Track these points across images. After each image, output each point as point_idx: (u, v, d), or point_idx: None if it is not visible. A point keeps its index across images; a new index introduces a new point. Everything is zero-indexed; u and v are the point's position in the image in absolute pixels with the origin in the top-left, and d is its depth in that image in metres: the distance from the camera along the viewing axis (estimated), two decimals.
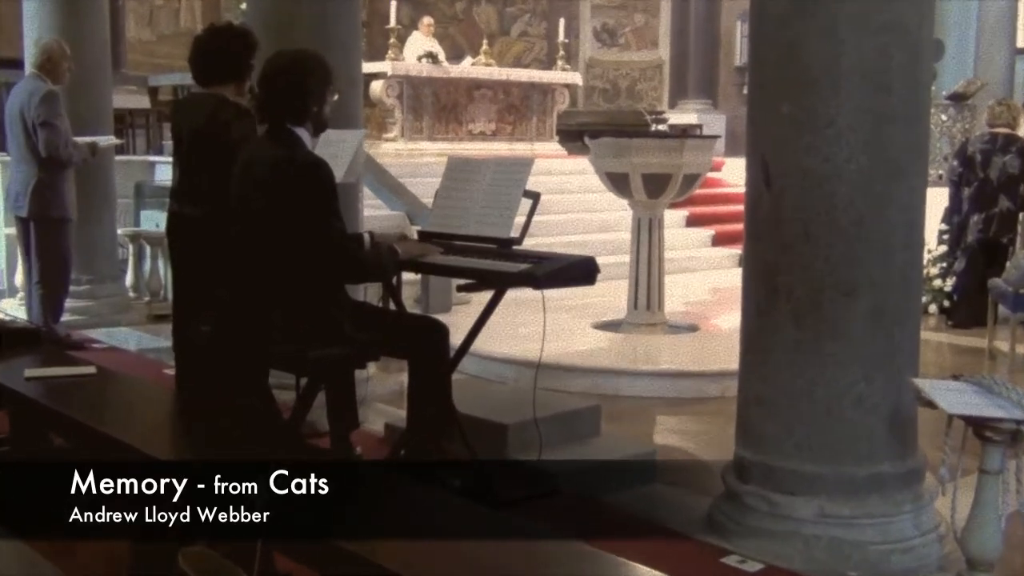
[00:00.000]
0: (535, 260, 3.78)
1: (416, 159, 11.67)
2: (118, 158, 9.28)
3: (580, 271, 3.79)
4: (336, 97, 3.87)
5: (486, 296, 4.01)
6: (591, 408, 4.67)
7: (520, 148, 13.35)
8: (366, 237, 4.02)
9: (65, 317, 7.59)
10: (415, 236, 7.53)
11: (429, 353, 3.79)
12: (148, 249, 8.38)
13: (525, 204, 4.07)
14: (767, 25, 3.47)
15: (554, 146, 13.77)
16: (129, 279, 8.48)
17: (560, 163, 11.74)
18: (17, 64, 8.12)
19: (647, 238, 6.93)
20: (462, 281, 3.94)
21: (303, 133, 3.73)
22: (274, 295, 3.69)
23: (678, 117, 15.21)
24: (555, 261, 3.77)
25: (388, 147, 12.41)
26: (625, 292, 7.16)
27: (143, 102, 10.93)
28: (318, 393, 4.13)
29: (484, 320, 4.04)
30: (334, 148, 5.12)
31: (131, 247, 8.52)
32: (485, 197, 4.13)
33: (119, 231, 8.38)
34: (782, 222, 3.44)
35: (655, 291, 6.93)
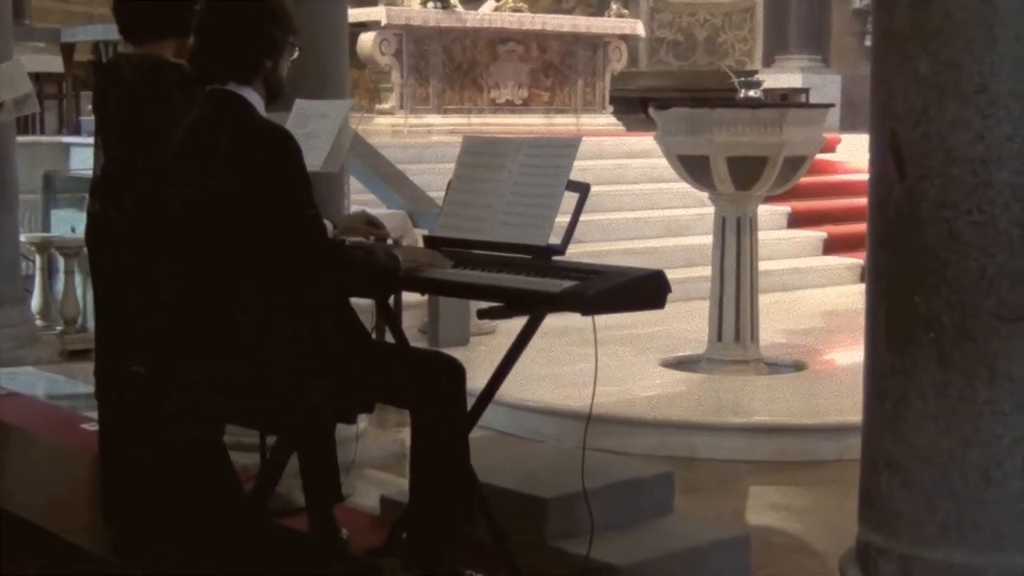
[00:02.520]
0: (582, 276, 3.78)
1: (420, 138, 11.73)
2: (21, 140, 9.40)
3: (644, 291, 3.78)
4: (296, 54, 3.91)
5: (516, 324, 4.01)
6: (660, 476, 4.66)
7: (561, 123, 13.43)
8: (328, 226, 4.04)
9: None
10: (419, 242, 7.62)
11: (440, 402, 3.79)
12: (61, 262, 8.43)
13: (568, 200, 4.06)
14: None
15: (607, 119, 13.83)
16: (36, 302, 8.55)
17: (616, 143, 11.73)
18: None
19: (735, 244, 6.92)
20: (484, 304, 3.94)
21: (252, 96, 3.77)
22: (229, 323, 3.71)
23: (776, 79, 15.21)
24: (610, 277, 3.77)
25: (383, 122, 12.50)
26: (705, 317, 7.15)
27: (54, 64, 11.03)
28: (291, 456, 4.17)
29: (514, 357, 4.04)
30: (312, 125, 5.17)
31: (38, 259, 8.59)
32: (515, 191, 4.14)
33: (22, 238, 8.44)
34: (920, 224, 3.41)
35: (746, 316, 6.92)
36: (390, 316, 4.33)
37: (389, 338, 4.45)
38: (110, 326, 4.54)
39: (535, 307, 3.85)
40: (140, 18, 4.52)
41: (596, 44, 13.78)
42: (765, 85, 15.33)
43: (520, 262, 3.96)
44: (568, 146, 4.15)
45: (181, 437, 3.97)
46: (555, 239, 3.99)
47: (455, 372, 3.83)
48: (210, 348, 3.76)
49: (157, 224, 4.30)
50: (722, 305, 6.96)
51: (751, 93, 7.08)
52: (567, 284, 3.72)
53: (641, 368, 7.04)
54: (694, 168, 6.87)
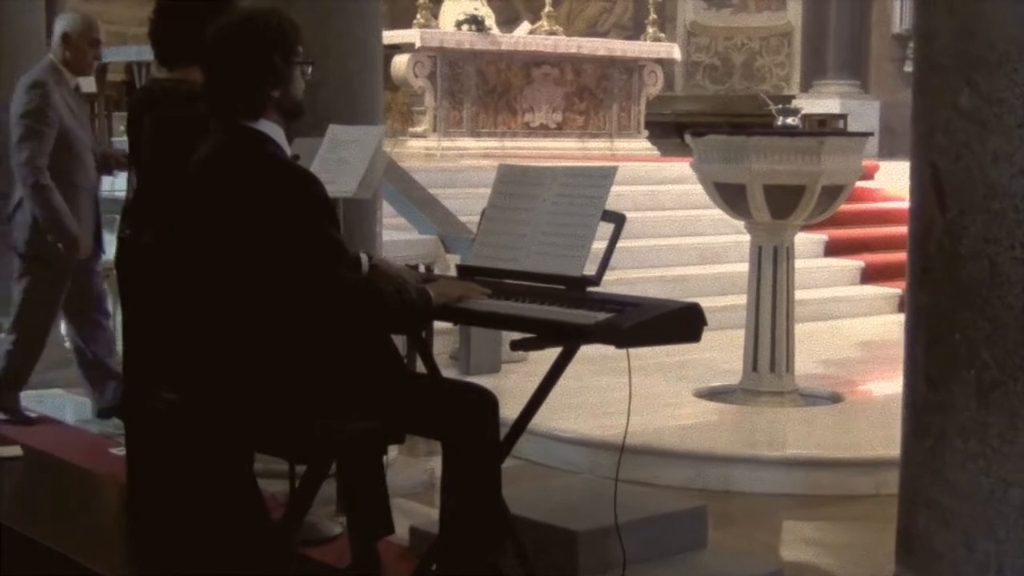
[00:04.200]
0: (617, 307, 3.77)
1: (453, 162, 11.75)
2: None
3: (680, 324, 3.78)
4: (310, 70, 3.87)
5: (547, 354, 4.01)
6: (694, 510, 4.64)
7: (595, 147, 13.44)
8: (363, 260, 4.05)
9: None
10: (451, 268, 7.60)
11: (472, 434, 3.79)
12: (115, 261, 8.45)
13: (603, 230, 4.06)
14: None
15: (642, 144, 13.83)
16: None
17: (650, 168, 11.71)
18: None
19: (771, 273, 6.90)
20: (517, 335, 3.94)
21: (269, 128, 3.75)
22: (263, 350, 3.72)
23: (813, 104, 15.14)
24: (645, 309, 3.76)
25: (416, 145, 12.54)
26: (740, 347, 7.13)
27: (87, 84, 11.07)
28: (320, 485, 4.16)
29: (547, 389, 4.04)
30: (345, 151, 5.19)
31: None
32: (550, 220, 4.14)
33: None
34: (961, 259, 3.39)
35: (782, 347, 6.89)
36: (422, 345, 4.33)
37: (420, 366, 4.47)
38: (139, 352, 4.55)
39: (569, 339, 3.84)
40: (175, 43, 4.56)
41: (631, 68, 13.78)
42: (803, 111, 15.37)
43: (554, 293, 3.96)
44: (604, 176, 4.15)
45: (209, 466, 3.98)
46: (590, 270, 3.99)
47: (488, 404, 3.83)
48: (242, 377, 3.77)
49: (187, 253, 4.34)
50: (757, 335, 6.94)
51: (789, 121, 7.06)
52: (602, 316, 3.71)
53: (674, 398, 7.02)
54: (731, 196, 6.85)
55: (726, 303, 9.09)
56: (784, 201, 6.71)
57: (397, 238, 7.58)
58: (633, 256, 9.58)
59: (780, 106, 7.26)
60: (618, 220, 4.07)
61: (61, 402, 7.55)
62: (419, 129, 12.66)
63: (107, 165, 6.81)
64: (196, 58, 4.50)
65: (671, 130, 15.93)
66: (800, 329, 7.24)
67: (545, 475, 5.88)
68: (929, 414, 3.55)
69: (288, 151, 3.82)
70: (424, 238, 7.98)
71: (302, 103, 3.85)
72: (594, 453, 6.01)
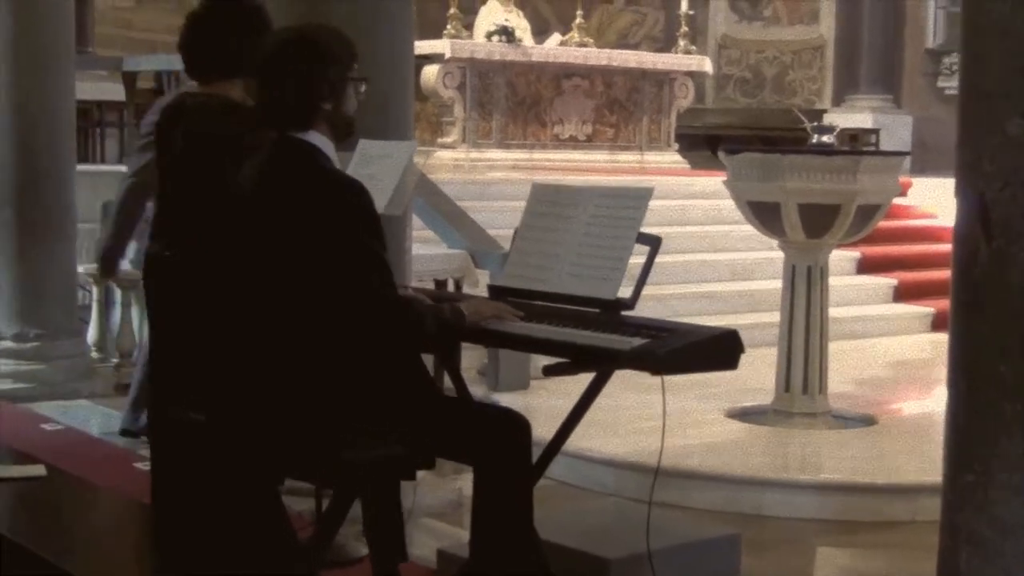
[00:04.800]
0: (653, 332, 3.71)
1: (482, 174, 11.70)
2: (80, 168, 9.41)
3: (717, 351, 3.72)
4: (364, 88, 3.84)
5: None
6: (728, 538, 4.58)
7: (625, 159, 13.39)
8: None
9: (5, 386, 7.71)
10: (480, 283, 7.54)
11: (503, 458, 3.73)
12: (119, 294, 8.43)
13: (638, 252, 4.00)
14: None
15: (672, 157, 13.76)
16: (92, 334, 8.56)
17: (681, 183, 11.62)
18: None
19: (804, 294, 6.82)
20: (549, 360, 3.88)
21: (319, 140, 3.72)
22: (297, 369, 3.67)
23: (845, 119, 15.09)
24: (681, 335, 3.70)
25: (445, 156, 12.50)
26: (772, 365, 7.04)
27: (116, 92, 11.10)
28: (350, 506, 4.11)
29: (580, 413, 4.00)
30: (375, 166, 5.13)
31: (95, 291, 8.60)
32: (584, 242, 4.09)
33: (80, 268, 8.46)
34: (1008, 288, 3.31)
35: (815, 368, 6.81)
36: (451, 364, 4.27)
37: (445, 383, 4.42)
38: (166, 368, 4.49)
39: (603, 365, 3.78)
40: (206, 57, 4.50)
41: (662, 80, 13.72)
42: (833, 124, 15.26)
43: (588, 316, 3.91)
44: (640, 197, 4.09)
45: (235, 487, 3.93)
46: (625, 292, 3.94)
47: (520, 429, 3.77)
48: (272, 397, 3.72)
49: (220, 269, 4.30)
50: (790, 356, 6.85)
51: (824, 138, 6.98)
52: (637, 342, 3.66)
53: (705, 418, 6.94)
54: (764, 215, 6.78)
55: (758, 320, 8.99)
56: (819, 220, 6.63)
57: (425, 252, 7.51)
58: (664, 272, 9.48)
59: (815, 123, 7.18)
60: (654, 243, 4.02)
61: (86, 414, 7.52)
62: (448, 140, 12.62)
63: None
64: (229, 72, 4.50)
65: (701, 143, 15.88)
66: (832, 347, 7.14)
67: (575, 496, 5.81)
68: (971, 447, 3.47)
69: (338, 164, 3.78)
70: (453, 252, 7.88)
71: (354, 121, 3.82)
72: (624, 474, 5.94)
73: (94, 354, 8.48)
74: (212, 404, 3.89)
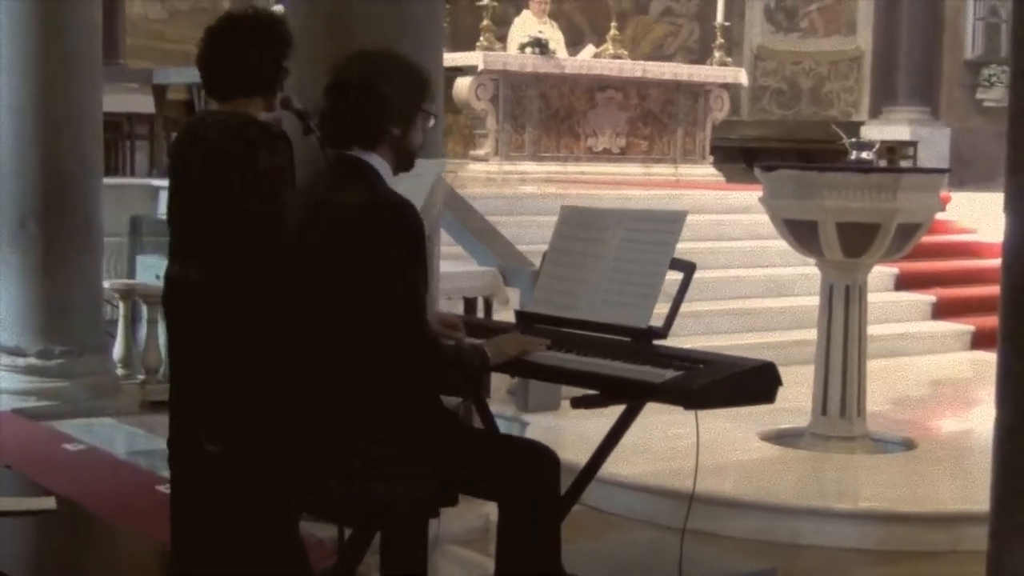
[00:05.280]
0: (686, 364, 3.56)
1: (514, 188, 11.57)
2: (108, 181, 9.33)
3: (753, 385, 3.57)
4: (432, 123, 3.79)
5: None
6: (764, 573, 4.41)
7: (659, 172, 13.23)
8: None
9: (29, 403, 7.60)
10: (511, 304, 7.38)
11: (531, 495, 3.58)
12: (145, 310, 8.33)
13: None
14: None
15: (706, 171, 13.60)
16: (118, 350, 8.45)
17: (716, 197, 11.44)
18: None
19: (842, 314, 6.64)
20: (577, 391, 3.74)
21: (378, 163, 3.63)
22: (317, 403, 3.54)
23: (882, 131, 14.90)
24: (716, 368, 3.54)
25: (477, 169, 12.37)
26: (808, 384, 6.86)
27: (145, 104, 11.02)
28: (372, 538, 3.97)
29: (610, 447, 3.85)
30: (402, 185, 4.97)
31: (122, 306, 8.49)
32: (615, 267, 3.94)
33: (106, 284, 8.36)
34: None
35: (853, 391, 6.63)
36: (479, 399, 4.12)
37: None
38: (184, 397, 4.36)
39: (634, 397, 3.64)
40: (223, 76, 4.36)
41: (697, 92, 13.56)
42: (871, 137, 15.08)
43: (618, 345, 3.77)
44: (673, 221, 3.94)
45: (252, 520, 3.79)
46: (657, 321, 3.78)
47: (549, 465, 3.63)
48: (290, 430, 3.58)
49: (242, 293, 4.18)
50: (827, 378, 6.68)
51: (863, 155, 6.80)
52: (669, 374, 3.51)
53: (739, 441, 6.76)
54: (801, 233, 6.61)
55: (795, 338, 8.84)
56: (857, 239, 6.46)
57: (454, 269, 7.37)
58: (699, 289, 9.26)
59: (854, 139, 7.00)
60: (687, 269, 3.87)
61: (111, 432, 7.41)
62: (480, 152, 12.48)
63: None
64: (248, 89, 4.36)
65: (736, 155, 15.70)
66: (869, 366, 6.96)
67: (604, 524, 5.64)
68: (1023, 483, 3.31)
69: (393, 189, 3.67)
70: (483, 270, 7.77)
71: (416, 155, 3.76)
72: (656, 500, 5.80)
73: (120, 370, 8.37)
74: (229, 435, 3.76)
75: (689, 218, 10.72)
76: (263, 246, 4.17)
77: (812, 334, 6.99)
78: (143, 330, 8.40)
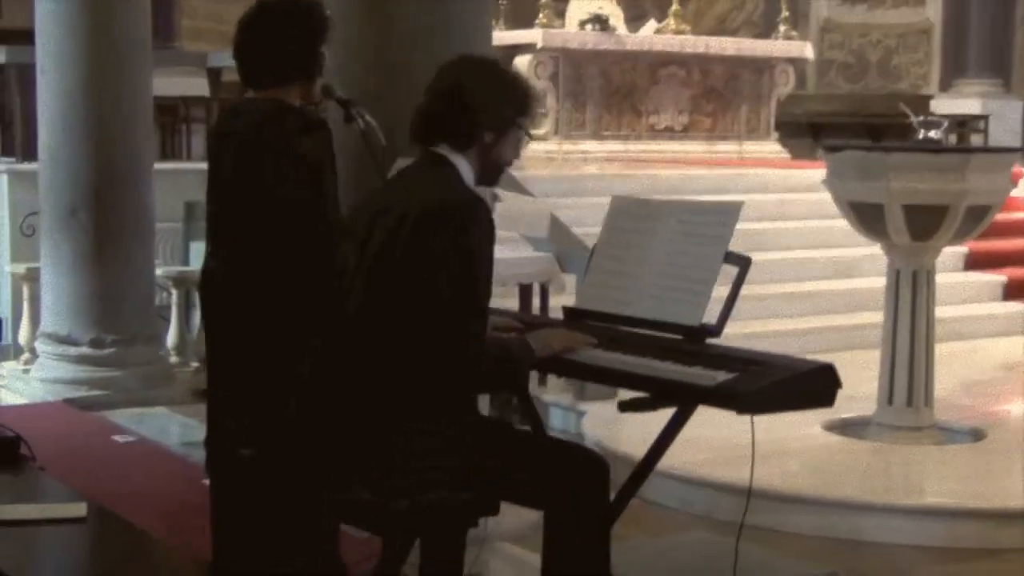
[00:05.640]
0: (740, 366, 3.39)
1: (575, 168, 11.38)
2: (164, 166, 9.27)
3: (810, 388, 3.40)
4: (524, 141, 3.77)
5: None
6: None
7: (723, 150, 13.00)
8: None
9: (81, 392, 7.55)
10: (567, 290, 7.21)
11: (580, 505, 3.43)
12: (198, 298, 8.22)
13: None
14: None
15: (772, 147, 13.35)
16: (172, 338, 8.38)
17: (780, 176, 11.12)
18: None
19: (909, 300, 6.41)
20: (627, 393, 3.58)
21: (464, 167, 3.59)
22: (361, 399, 3.43)
23: (952, 104, 14.60)
24: (771, 370, 3.37)
25: (537, 148, 12.17)
26: (875, 369, 6.64)
27: (202, 87, 10.92)
28: (413, 544, 3.84)
29: (660, 452, 3.70)
30: None
31: (175, 294, 8.42)
32: (667, 261, 3.79)
33: (159, 271, 8.29)
34: None
35: (920, 379, 6.41)
36: (523, 396, 3.97)
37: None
38: (223, 397, 4.23)
39: (684, 400, 3.47)
40: (259, 63, 4.22)
41: (762, 68, 13.27)
42: (941, 111, 14.77)
43: (670, 344, 3.61)
44: (728, 213, 3.76)
45: (289, 525, 3.67)
46: (710, 318, 3.61)
47: (599, 472, 3.50)
48: (327, 431, 3.45)
49: (282, 282, 4.07)
50: (894, 367, 6.46)
51: (931, 134, 6.56)
52: (722, 377, 3.35)
53: (802, 431, 6.53)
54: (866, 216, 6.38)
55: (860, 320, 8.63)
56: (925, 222, 6.22)
57: (509, 255, 7.20)
58: (759, 270, 8.90)
59: (921, 117, 6.75)
60: (743, 264, 3.70)
61: (163, 422, 7.35)
62: (540, 132, 12.27)
63: None
64: (284, 78, 4.22)
65: (803, 131, 15.42)
66: (936, 350, 6.71)
67: (654, 520, 5.45)
68: None
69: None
70: (539, 255, 7.61)
71: (502, 169, 3.72)
72: (712, 494, 5.63)
73: (173, 358, 8.30)
74: (263, 437, 3.63)
75: (752, 197, 10.55)
76: (300, 235, 4.07)
77: (878, 317, 6.76)
78: (197, 317, 8.29)
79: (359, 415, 3.46)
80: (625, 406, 3.58)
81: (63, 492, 3.86)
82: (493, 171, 3.66)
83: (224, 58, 10.76)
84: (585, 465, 3.49)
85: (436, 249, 3.39)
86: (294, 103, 4.29)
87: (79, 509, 3.56)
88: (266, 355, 4.04)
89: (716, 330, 3.60)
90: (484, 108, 3.56)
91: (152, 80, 7.97)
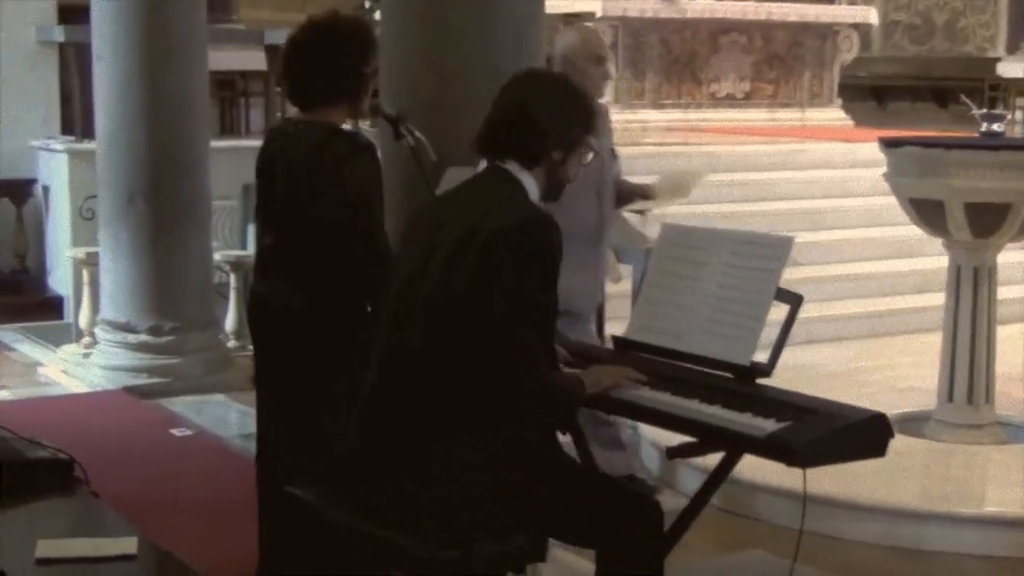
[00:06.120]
0: (791, 413, 3.32)
1: (635, 140, 11.26)
2: (222, 144, 9.26)
3: (863, 438, 3.33)
4: (588, 159, 3.64)
5: None
6: None
7: (785, 117, 12.86)
8: None
9: (140, 380, 7.58)
10: (623, 282, 7.11)
11: (630, 547, 3.38)
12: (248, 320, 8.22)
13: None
14: None
15: (835, 114, 13.20)
16: (230, 322, 8.40)
17: (845, 151, 10.88)
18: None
19: (970, 296, 6.29)
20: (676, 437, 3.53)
21: (529, 183, 3.51)
22: (427, 449, 3.36)
23: (1018, 67, 14.32)
24: (823, 420, 3.30)
25: None
26: (936, 355, 6.52)
27: (260, 61, 10.89)
28: None
29: (708, 495, 3.63)
30: None
31: (233, 278, 8.43)
32: (717, 294, 3.72)
33: (217, 256, 8.29)
34: None
35: (981, 376, 6.29)
36: (575, 432, 3.92)
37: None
38: (275, 429, 4.24)
39: (734, 448, 3.41)
40: (307, 86, 4.20)
41: (825, 33, 13.11)
42: (1007, 74, 14.49)
43: (719, 385, 3.53)
44: (781, 246, 3.68)
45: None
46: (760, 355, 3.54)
47: (652, 515, 3.42)
48: (389, 474, 3.41)
49: (335, 310, 4.04)
50: (954, 363, 6.34)
51: (994, 127, 6.41)
52: (772, 426, 3.28)
53: None
54: (927, 212, 6.27)
55: (922, 303, 8.51)
56: (988, 220, 6.09)
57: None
58: (820, 250, 8.99)
59: (984, 110, 6.60)
60: (794, 301, 3.62)
61: (221, 411, 7.38)
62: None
63: (625, 200, 6.03)
64: (331, 98, 4.19)
65: (866, 94, 15.21)
66: (999, 332, 6.55)
67: (716, 526, 5.39)
68: None
69: None
70: None
71: (564, 186, 3.61)
72: (771, 500, 5.55)
73: (231, 342, 8.32)
74: (317, 479, 3.61)
75: (813, 173, 10.27)
76: (340, 256, 4.05)
77: (940, 299, 6.62)
78: None
79: (402, 427, 3.41)
80: (674, 453, 3.54)
81: (115, 522, 3.83)
82: (556, 188, 3.60)
83: (280, 36, 10.73)
84: (640, 510, 3.42)
85: (506, 265, 3.32)
86: (342, 124, 4.27)
87: (129, 545, 3.53)
88: (317, 389, 4.05)
89: (767, 370, 3.54)
90: (553, 127, 3.51)
91: (207, 65, 7.95)
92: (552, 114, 3.51)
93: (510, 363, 3.32)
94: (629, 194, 5.94)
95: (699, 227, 4.01)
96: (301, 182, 4.14)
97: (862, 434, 3.32)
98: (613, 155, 5.77)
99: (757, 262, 3.67)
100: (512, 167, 3.50)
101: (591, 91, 5.38)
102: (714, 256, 3.76)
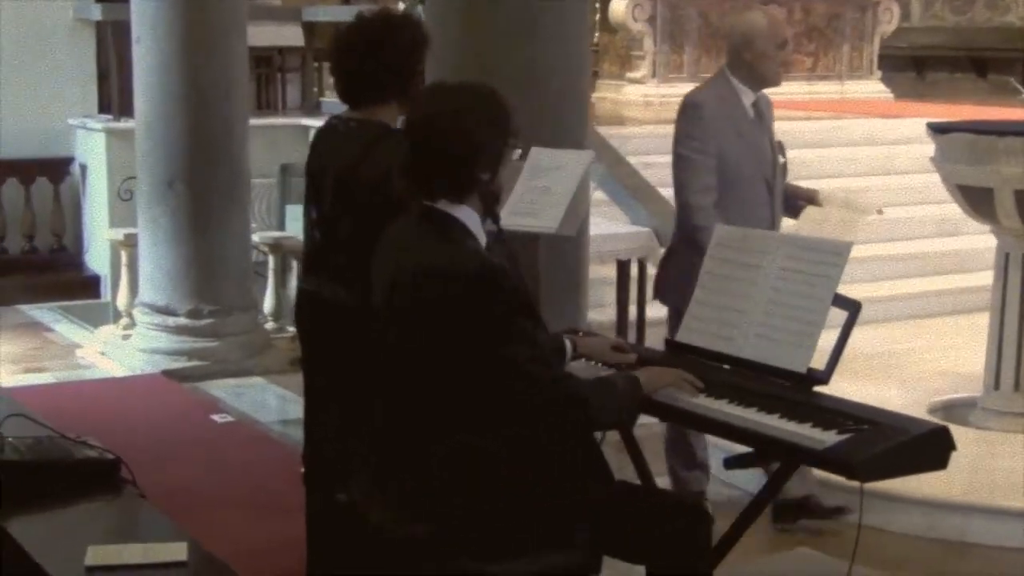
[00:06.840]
0: (851, 424, 3.28)
1: (673, 112, 11.14)
2: (259, 122, 9.24)
3: (924, 452, 3.28)
4: (517, 155, 3.42)
5: None
6: None
7: (824, 90, 12.77)
8: (567, 347, 3.66)
9: (179, 364, 7.59)
10: (658, 257, 7.06)
11: (680, 558, 3.35)
12: (296, 265, 8.20)
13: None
14: None
15: (875, 87, 13.08)
16: (268, 304, 8.39)
17: (886, 128, 10.77)
18: None
19: (1019, 283, 6.23)
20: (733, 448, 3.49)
21: (465, 214, 3.31)
22: (455, 462, 3.29)
23: None
24: (884, 433, 3.25)
25: (633, 92, 12.06)
26: (982, 336, 6.46)
27: (297, 37, 10.85)
28: None
29: (762, 507, 3.59)
30: (547, 178, 4.75)
31: (271, 260, 8.41)
32: (772, 299, 3.67)
33: (255, 237, 8.28)
34: None
35: None
36: (629, 440, 3.88)
37: None
38: (322, 429, 4.21)
39: (792, 460, 3.37)
40: (357, 84, 4.15)
41: (865, 5, 13.02)
42: None
43: (777, 393, 3.49)
44: (837, 253, 3.63)
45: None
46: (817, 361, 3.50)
47: (702, 524, 3.39)
48: (428, 491, 3.36)
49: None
50: (1001, 350, 6.29)
51: None
52: (831, 439, 3.23)
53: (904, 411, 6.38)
54: (976, 199, 6.20)
55: (967, 283, 8.43)
56: None
57: (606, 231, 7.10)
58: (864, 229, 8.86)
59: None
60: (852, 308, 3.57)
61: (261, 395, 7.38)
62: (637, 75, 12.15)
63: (791, 205, 5.48)
64: (381, 96, 4.15)
65: (906, 64, 15.06)
66: None
67: (760, 522, 5.35)
68: None
69: (483, 241, 3.35)
70: (636, 230, 7.46)
71: (500, 196, 3.38)
72: (824, 493, 5.49)
73: (269, 324, 8.32)
74: (360, 487, 3.58)
75: (860, 151, 10.13)
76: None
77: (983, 278, 6.56)
78: (293, 282, 8.30)
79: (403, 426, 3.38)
80: (730, 463, 3.50)
81: (164, 526, 3.83)
82: (495, 203, 3.36)
83: (317, 14, 10.72)
84: (691, 518, 3.38)
85: (468, 322, 3.18)
86: (392, 122, 4.23)
87: (180, 551, 3.52)
88: (355, 363, 3.99)
89: (825, 377, 3.49)
90: (476, 150, 3.23)
91: (247, 50, 7.92)
92: (466, 139, 3.23)
93: (507, 386, 3.22)
94: (793, 196, 5.52)
95: (754, 230, 3.97)
96: (351, 182, 4.10)
97: (923, 448, 3.27)
98: (781, 148, 5.37)
99: (814, 267, 3.62)
100: (444, 206, 3.28)
101: (769, 76, 5.21)
102: (769, 259, 3.71)
